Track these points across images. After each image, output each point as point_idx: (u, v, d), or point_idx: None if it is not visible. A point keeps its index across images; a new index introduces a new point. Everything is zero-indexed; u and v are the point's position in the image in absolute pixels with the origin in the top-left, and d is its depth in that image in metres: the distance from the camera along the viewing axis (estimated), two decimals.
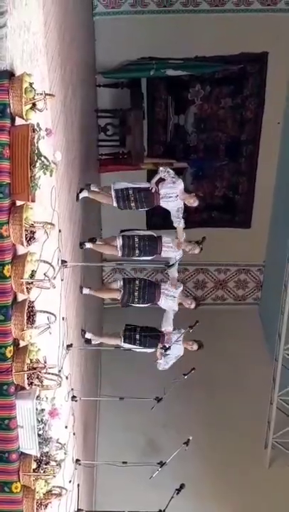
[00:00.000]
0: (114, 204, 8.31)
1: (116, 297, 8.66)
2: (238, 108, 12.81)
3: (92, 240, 8.64)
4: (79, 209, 8.41)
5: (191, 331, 8.17)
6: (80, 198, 8.28)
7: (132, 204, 8.28)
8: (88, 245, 8.53)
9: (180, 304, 8.62)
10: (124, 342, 8.59)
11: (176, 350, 8.45)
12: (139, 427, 11.37)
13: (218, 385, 11.99)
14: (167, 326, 8.48)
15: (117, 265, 8.52)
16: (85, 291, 8.62)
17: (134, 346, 8.61)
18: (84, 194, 8.34)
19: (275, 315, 11.58)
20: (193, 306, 8.58)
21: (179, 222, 8.33)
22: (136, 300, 8.56)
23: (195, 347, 8.51)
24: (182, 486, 7.40)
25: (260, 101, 12.70)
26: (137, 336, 8.54)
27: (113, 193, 8.25)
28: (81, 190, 8.29)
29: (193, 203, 8.30)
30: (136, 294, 8.52)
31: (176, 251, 8.41)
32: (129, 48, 11.98)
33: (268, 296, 13.62)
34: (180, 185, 8.23)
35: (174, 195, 8.20)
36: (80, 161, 8.60)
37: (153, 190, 8.21)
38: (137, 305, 8.62)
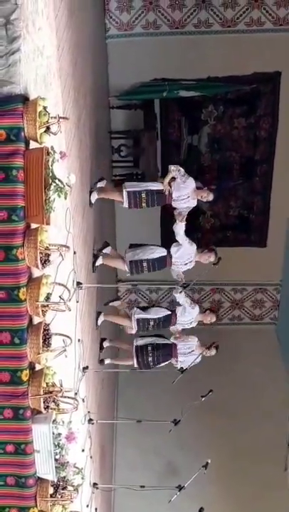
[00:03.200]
0: (125, 205, 8.16)
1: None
2: (251, 128, 12.81)
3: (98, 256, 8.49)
4: (93, 229, 8.41)
5: (207, 352, 8.11)
6: (92, 202, 8.20)
7: (144, 205, 8.14)
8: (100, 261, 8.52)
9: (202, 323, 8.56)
10: (139, 367, 8.59)
11: (193, 358, 8.36)
12: (157, 450, 11.26)
13: (235, 406, 11.86)
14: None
15: (132, 286, 8.49)
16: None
17: (149, 369, 8.60)
18: (94, 196, 8.26)
19: None
20: (214, 319, 8.47)
21: (178, 219, 8.19)
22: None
23: (213, 352, 8.36)
24: (201, 510, 7.32)
25: (273, 120, 12.70)
26: (150, 359, 8.50)
27: (125, 195, 8.09)
28: (91, 191, 8.22)
29: (208, 196, 8.12)
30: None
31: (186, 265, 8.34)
32: (142, 69, 12.06)
33: (285, 315, 13.51)
34: (191, 184, 8.07)
35: (186, 196, 8.07)
36: (94, 183, 8.61)
37: (167, 193, 8.06)
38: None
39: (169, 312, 8.56)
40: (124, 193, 8.07)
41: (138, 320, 8.47)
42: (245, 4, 11.90)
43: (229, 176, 13.17)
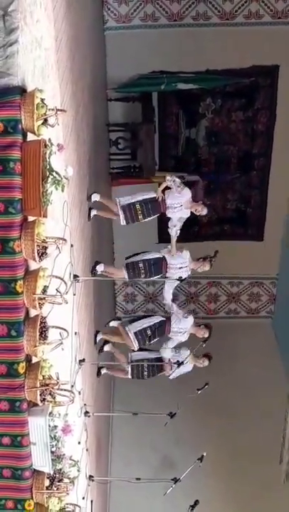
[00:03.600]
0: (122, 222, 8.26)
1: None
2: (249, 121, 12.80)
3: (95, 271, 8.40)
4: (91, 223, 8.40)
5: (204, 345, 8.10)
6: (91, 216, 8.27)
7: (140, 217, 8.21)
8: (100, 269, 8.47)
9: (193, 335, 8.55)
10: (133, 378, 8.65)
11: (184, 368, 8.38)
12: (153, 443, 11.28)
13: (231, 401, 11.88)
14: (167, 352, 8.46)
15: (128, 280, 8.49)
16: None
17: (144, 379, 8.67)
18: (94, 212, 8.33)
19: (288, 328, 11.49)
20: (206, 335, 8.36)
21: (171, 230, 8.26)
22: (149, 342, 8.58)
23: (206, 363, 8.41)
24: (196, 503, 7.34)
25: (271, 114, 12.69)
26: (145, 373, 8.56)
27: (120, 210, 8.17)
28: (90, 210, 8.28)
29: (202, 210, 8.18)
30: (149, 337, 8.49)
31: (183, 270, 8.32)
32: (140, 62, 12.02)
33: (282, 309, 13.53)
34: (187, 194, 8.13)
35: (178, 205, 8.12)
36: (91, 176, 8.61)
37: (160, 200, 8.12)
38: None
39: (163, 318, 8.56)
40: (119, 208, 8.13)
41: (136, 333, 8.45)
42: None
43: (226, 170, 13.16)
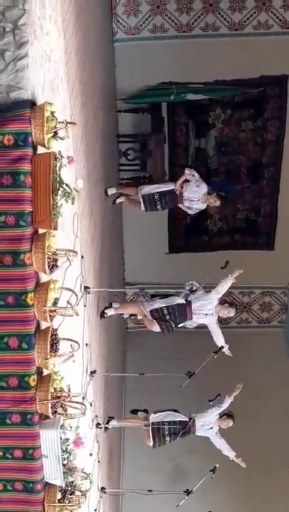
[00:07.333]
0: (142, 208, 8.74)
1: None
2: (258, 131, 12.80)
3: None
4: (101, 233, 8.42)
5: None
6: (109, 194, 9.03)
7: (159, 206, 8.72)
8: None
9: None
10: (154, 445, 8.06)
11: (210, 432, 8.04)
12: (165, 454, 11.21)
13: (242, 410, 11.78)
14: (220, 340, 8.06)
15: (139, 290, 8.44)
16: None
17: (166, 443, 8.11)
18: (112, 191, 9.05)
19: None
20: (231, 314, 8.11)
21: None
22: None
23: (231, 423, 8.09)
24: None
25: (280, 123, 12.69)
26: (167, 438, 7.95)
27: (141, 199, 8.69)
28: (106, 190, 8.95)
29: (215, 202, 8.53)
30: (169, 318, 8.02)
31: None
32: (150, 73, 12.07)
33: None
34: (203, 188, 8.48)
35: (196, 199, 8.53)
36: (101, 187, 8.63)
37: (178, 193, 8.54)
38: None
39: (183, 301, 7.95)
40: (140, 196, 8.68)
41: (152, 311, 7.85)
42: (253, 7, 11.90)
43: (236, 179, 13.16)
